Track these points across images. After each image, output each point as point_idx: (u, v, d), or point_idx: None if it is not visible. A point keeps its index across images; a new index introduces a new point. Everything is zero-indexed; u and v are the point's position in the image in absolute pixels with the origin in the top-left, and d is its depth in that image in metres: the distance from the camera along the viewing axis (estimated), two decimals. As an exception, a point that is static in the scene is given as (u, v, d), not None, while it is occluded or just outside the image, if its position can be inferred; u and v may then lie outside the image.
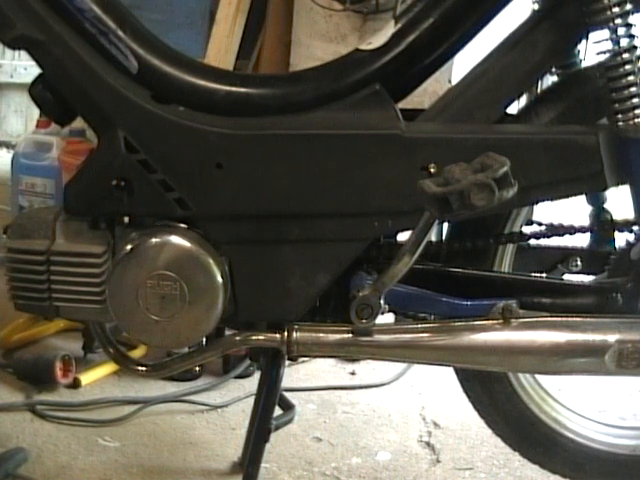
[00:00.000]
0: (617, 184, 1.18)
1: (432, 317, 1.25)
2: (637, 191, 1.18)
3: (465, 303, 1.21)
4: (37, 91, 1.17)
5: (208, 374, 1.91)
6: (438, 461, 1.63)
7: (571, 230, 1.27)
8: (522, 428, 1.36)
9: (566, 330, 1.18)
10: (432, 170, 1.14)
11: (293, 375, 1.95)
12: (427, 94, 1.88)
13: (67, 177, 1.35)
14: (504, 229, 1.26)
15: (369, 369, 2.02)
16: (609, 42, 1.14)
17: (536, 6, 1.22)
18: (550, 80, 1.29)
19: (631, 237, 1.29)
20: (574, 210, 1.45)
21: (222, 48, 2.58)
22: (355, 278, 1.20)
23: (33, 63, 1.16)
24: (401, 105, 1.20)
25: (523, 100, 1.27)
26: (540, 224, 1.31)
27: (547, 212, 1.37)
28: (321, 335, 1.18)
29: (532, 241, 1.29)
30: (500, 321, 1.18)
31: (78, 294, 1.18)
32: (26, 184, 2.31)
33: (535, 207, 1.31)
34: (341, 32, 2.48)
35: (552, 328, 1.18)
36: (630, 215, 1.23)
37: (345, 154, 1.15)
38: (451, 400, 1.83)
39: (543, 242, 1.31)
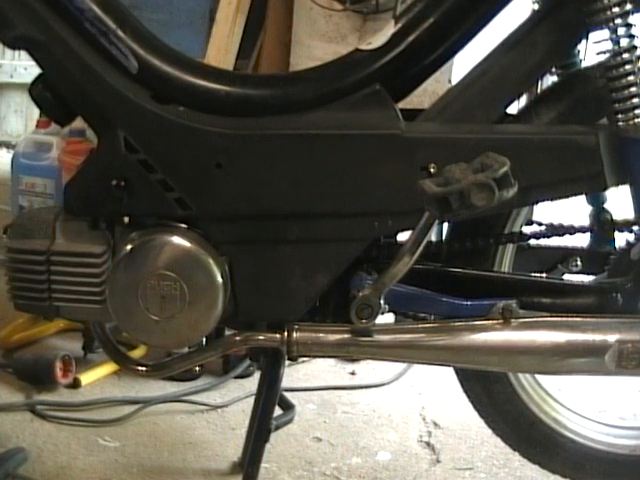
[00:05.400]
0: (617, 184, 1.18)
1: (432, 317, 1.25)
2: (637, 191, 1.18)
3: (465, 303, 1.21)
4: (37, 91, 1.17)
5: (208, 374, 1.91)
6: (438, 461, 1.63)
7: (571, 230, 1.27)
8: (522, 428, 1.36)
9: (566, 330, 1.18)
10: (432, 170, 1.14)
11: (293, 375, 1.95)
12: (427, 94, 1.88)
13: (67, 177, 1.35)
14: (504, 229, 1.26)
15: (369, 369, 2.02)
16: (609, 42, 1.14)
17: (536, 6, 1.22)
18: (550, 80, 1.29)
19: (631, 237, 1.29)
20: (574, 210, 1.45)
21: (222, 48, 2.58)
22: (355, 278, 1.20)
23: (33, 63, 1.16)
24: (401, 105, 1.20)
25: (523, 100, 1.27)
26: (540, 224, 1.31)
27: (547, 212, 1.37)
28: (321, 335, 1.18)
29: (532, 241, 1.29)
30: (500, 321, 1.18)
31: (78, 294, 1.18)
32: (26, 184, 2.31)
33: (535, 207, 1.31)
34: (341, 32, 2.48)
35: (552, 328, 1.18)
36: (630, 215, 1.23)
37: (345, 154, 1.15)
38: (451, 400, 1.83)
39: (543, 242, 1.31)
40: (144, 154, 1.15)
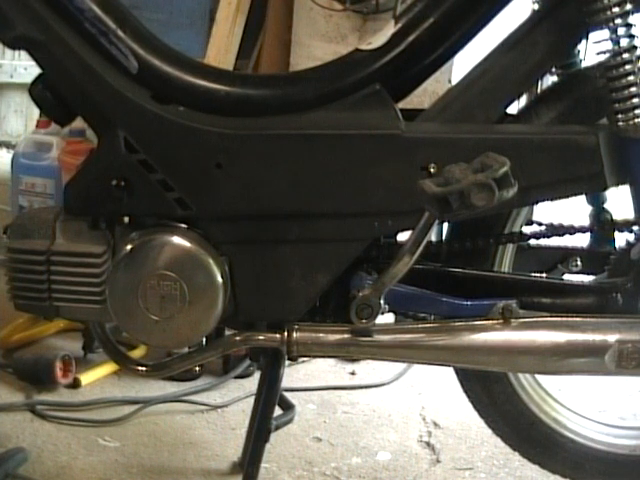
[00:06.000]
0: (617, 184, 1.18)
1: (432, 317, 1.25)
2: (637, 191, 1.18)
3: (465, 303, 1.21)
4: (37, 91, 1.17)
5: (208, 374, 1.91)
6: (438, 461, 1.63)
7: (571, 230, 1.27)
8: (522, 428, 1.36)
9: (566, 330, 1.18)
10: (432, 170, 1.14)
11: (293, 375, 1.94)
12: (427, 94, 1.88)
13: (67, 177, 1.35)
14: (504, 229, 1.26)
15: (369, 369, 2.02)
16: (609, 42, 1.14)
17: (536, 6, 1.22)
18: (550, 80, 1.29)
19: (631, 237, 1.29)
20: (574, 210, 1.45)
21: (222, 48, 2.58)
22: (355, 278, 1.20)
23: (33, 63, 1.16)
24: (401, 105, 1.20)
25: (523, 100, 1.27)
26: (540, 224, 1.31)
27: (547, 212, 1.37)
28: (321, 335, 1.18)
29: (532, 241, 1.29)
30: (500, 321, 1.18)
31: (78, 294, 1.18)
32: (26, 184, 2.31)
33: (535, 207, 1.31)
34: (341, 32, 2.48)
35: (552, 328, 1.18)
36: (630, 215, 1.23)
37: (345, 154, 1.15)
38: (451, 400, 1.83)
39: (543, 242, 1.31)
40: (144, 154, 1.15)
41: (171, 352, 1.63)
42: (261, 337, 1.20)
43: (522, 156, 1.14)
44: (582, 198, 1.30)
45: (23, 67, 4.14)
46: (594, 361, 1.17)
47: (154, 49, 1.18)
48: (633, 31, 1.13)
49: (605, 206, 1.33)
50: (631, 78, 1.13)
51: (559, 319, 1.19)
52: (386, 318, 1.24)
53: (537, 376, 1.37)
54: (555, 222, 1.29)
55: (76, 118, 1.20)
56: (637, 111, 1.13)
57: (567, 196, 1.18)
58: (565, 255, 1.34)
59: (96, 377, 1.86)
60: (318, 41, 2.51)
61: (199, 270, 1.15)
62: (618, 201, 1.28)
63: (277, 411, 1.36)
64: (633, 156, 1.16)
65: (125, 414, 1.72)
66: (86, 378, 1.83)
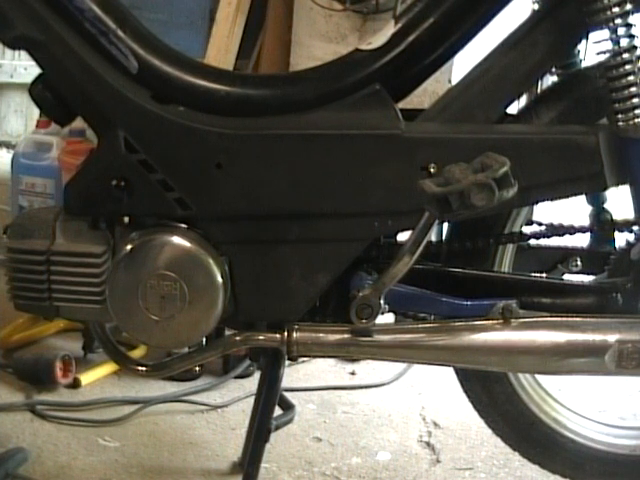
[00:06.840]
0: (617, 184, 1.18)
1: (432, 317, 1.25)
2: (637, 191, 1.18)
3: (465, 303, 1.21)
4: (37, 91, 1.17)
5: (208, 374, 1.91)
6: (438, 461, 1.63)
7: (571, 230, 1.27)
8: (522, 428, 1.36)
9: (566, 330, 1.18)
10: (432, 170, 1.14)
11: (293, 375, 1.95)
12: (427, 94, 1.88)
13: (67, 177, 1.35)
14: (504, 229, 1.26)
15: (369, 369, 2.02)
16: (609, 42, 1.14)
17: (536, 6, 1.22)
18: (550, 80, 1.29)
19: (631, 237, 1.29)
20: (574, 210, 1.45)
21: (222, 48, 2.58)
22: (355, 278, 1.20)
23: (33, 63, 1.16)
24: (401, 105, 1.20)
25: (523, 100, 1.27)
26: (540, 224, 1.31)
27: (547, 212, 1.37)
28: (321, 335, 1.18)
29: (532, 241, 1.29)
30: (500, 321, 1.18)
31: (78, 294, 1.18)
32: (26, 184, 2.31)
33: (535, 207, 1.31)
34: (341, 32, 2.49)
35: (552, 328, 1.18)
36: (630, 215, 1.23)
37: (345, 154, 1.15)
38: (451, 400, 1.83)
39: (543, 242, 1.31)
40: (144, 154, 1.15)
41: (171, 352, 1.63)
42: (261, 337, 1.20)
43: (522, 156, 1.14)
44: (582, 198, 1.30)
45: (23, 67, 4.14)
46: (594, 361, 1.17)
47: (154, 49, 1.18)
48: (633, 31, 1.13)
49: (605, 206, 1.33)
50: (631, 78, 1.13)
51: (559, 319, 1.19)
52: (386, 318, 1.24)
53: (537, 376, 1.37)
54: (555, 222, 1.29)
55: (76, 118, 1.20)
56: (637, 111, 1.13)
57: (567, 196, 1.19)
58: (565, 255, 1.34)
59: (96, 377, 1.86)
60: (318, 41, 2.51)
61: (199, 270, 1.15)
62: (618, 201, 1.28)
63: (277, 411, 1.36)
64: (633, 156, 1.16)
65: (125, 414, 1.72)
66: (86, 378, 1.83)
